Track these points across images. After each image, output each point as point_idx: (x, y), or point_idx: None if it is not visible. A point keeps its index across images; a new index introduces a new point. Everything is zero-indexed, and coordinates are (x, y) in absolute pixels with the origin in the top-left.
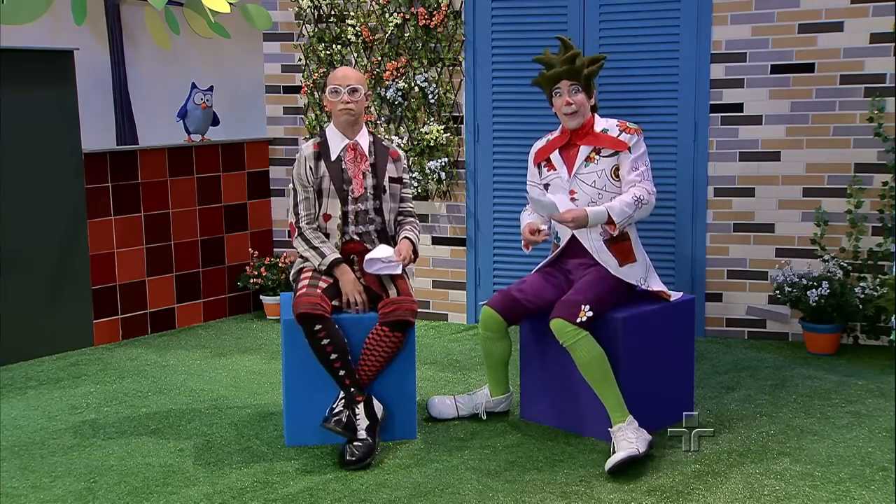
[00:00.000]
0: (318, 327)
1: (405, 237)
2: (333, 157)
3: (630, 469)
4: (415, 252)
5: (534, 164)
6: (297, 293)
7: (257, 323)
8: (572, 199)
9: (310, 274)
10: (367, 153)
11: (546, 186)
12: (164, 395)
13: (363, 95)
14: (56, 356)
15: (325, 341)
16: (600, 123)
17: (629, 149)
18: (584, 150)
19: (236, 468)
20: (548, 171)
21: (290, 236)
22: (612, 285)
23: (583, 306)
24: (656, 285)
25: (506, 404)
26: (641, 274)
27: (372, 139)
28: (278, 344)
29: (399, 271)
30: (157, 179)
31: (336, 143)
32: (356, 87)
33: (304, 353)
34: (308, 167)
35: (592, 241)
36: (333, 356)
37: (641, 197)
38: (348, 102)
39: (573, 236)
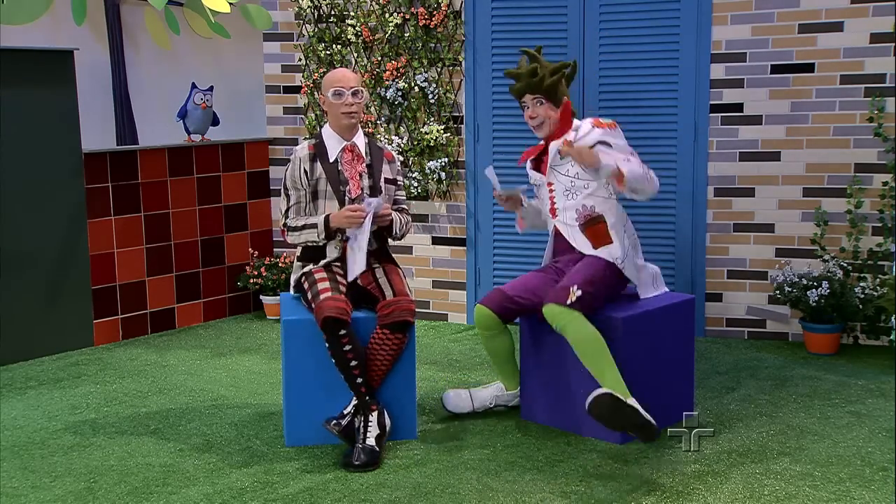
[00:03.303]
0: (342, 332)
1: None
2: (332, 159)
3: (612, 415)
4: (389, 227)
5: (520, 164)
6: (321, 297)
7: (257, 323)
8: (551, 193)
9: (325, 276)
10: (363, 154)
11: (537, 188)
12: (164, 395)
13: (363, 97)
14: (56, 356)
15: (348, 347)
16: (574, 125)
17: (606, 143)
18: (554, 145)
19: (236, 468)
20: (532, 172)
21: (283, 236)
22: (600, 268)
23: (571, 288)
24: (646, 293)
25: (520, 398)
26: (619, 255)
27: (367, 140)
28: (278, 344)
29: (372, 212)
30: (157, 179)
31: (333, 144)
32: (358, 90)
33: (304, 353)
34: (303, 169)
35: (568, 227)
36: (354, 363)
37: (648, 169)
38: (352, 105)
39: (557, 228)
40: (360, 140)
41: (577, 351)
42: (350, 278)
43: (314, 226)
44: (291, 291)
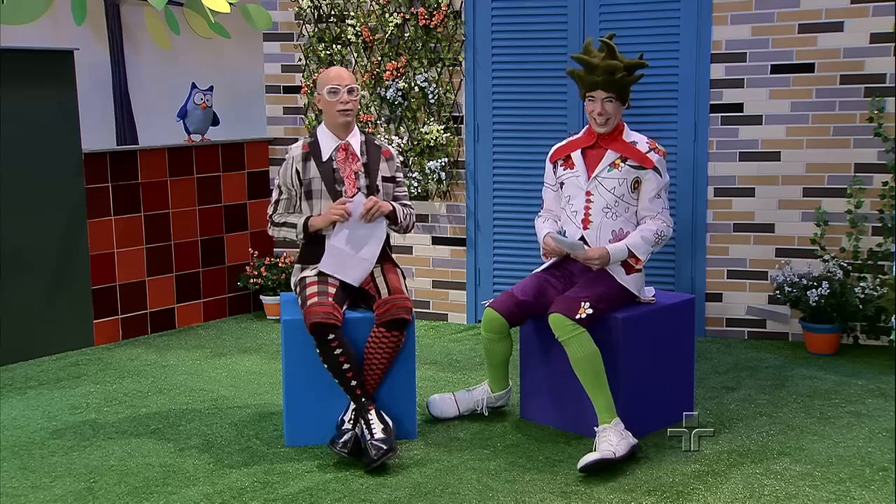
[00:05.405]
0: (331, 337)
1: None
2: (325, 158)
3: (605, 471)
4: (392, 216)
5: (550, 162)
6: (308, 303)
7: (257, 323)
8: (587, 202)
9: (316, 280)
10: (358, 153)
11: (561, 185)
12: (164, 395)
13: (358, 95)
14: (56, 356)
15: (339, 351)
16: (630, 135)
17: (656, 169)
18: (610, 155)
19: (236, 468)
20: (564, 168)
21: (266, 227)
22: (614, 288)
23: (583, 303)
24: (648, 294)
25: (505, 399)
26: (640, 286)
27: (364, 139)
28: (278, 344)
29: (360, 200)
30: (157, 179)
31: (327, 143)
32: (353, 87)
33: (304, 353)
34: (295, 170)
35: (602, 244)
36: (346, 366)
37: (663, 232)
38: (347, 102)
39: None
40: (355, 139)
41: (574, 367)
42: (345, 279)
43: (294, 225)
44: (294, 287)
